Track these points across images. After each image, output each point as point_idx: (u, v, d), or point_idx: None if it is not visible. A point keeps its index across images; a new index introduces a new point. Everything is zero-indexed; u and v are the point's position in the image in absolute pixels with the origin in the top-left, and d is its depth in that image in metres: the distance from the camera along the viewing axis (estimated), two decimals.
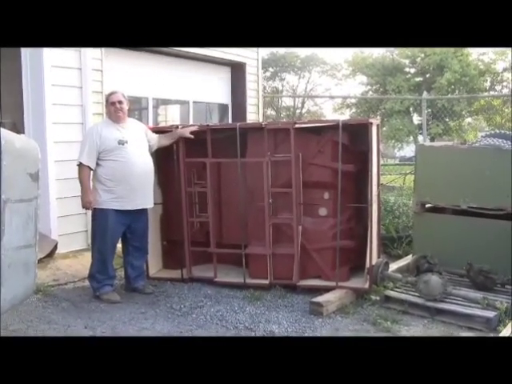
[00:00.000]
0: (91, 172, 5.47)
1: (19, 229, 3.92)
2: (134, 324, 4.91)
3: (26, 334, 4.59)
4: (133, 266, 5.81)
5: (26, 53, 6.87)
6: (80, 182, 5.46)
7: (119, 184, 5.45)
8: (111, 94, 5.70)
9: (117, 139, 5.45)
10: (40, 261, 5.93)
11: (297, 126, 5.70)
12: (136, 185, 5.51)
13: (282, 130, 5.80)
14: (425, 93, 12.00)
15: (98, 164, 5.46)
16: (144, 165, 5.60)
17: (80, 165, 5.43)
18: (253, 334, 4.66)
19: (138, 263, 5.88)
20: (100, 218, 5.50)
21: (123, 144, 5.46)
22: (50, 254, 6.61)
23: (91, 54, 7.23)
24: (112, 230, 5.52)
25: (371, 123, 5.51)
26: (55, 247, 6.69)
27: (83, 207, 5.54)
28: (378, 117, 7.75)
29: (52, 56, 6.79)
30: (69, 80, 7.07)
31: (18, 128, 7.15)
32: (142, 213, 5.71)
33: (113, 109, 5.58)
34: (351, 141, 5.67)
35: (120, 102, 5.58)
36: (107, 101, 5.67)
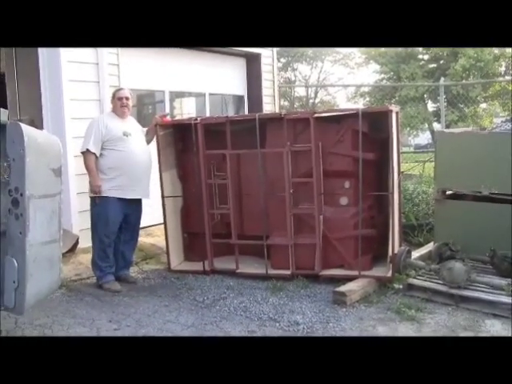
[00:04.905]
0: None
1: (43, 224, 3.96)
2: (157, 317, 4.92)
3: (52, 329, 4.65)
4: (124, 255, 5.97)
5: (42, 49, 6.88)
6: (87, 169, 5.63)
7: (122, 174, 5.62)
8: (119, 90, 5.98)
9: (122, 130, 5.67)
10: (62, 255, 5.95)
11: (316, 115, 5.67)
12: (137, 175, 5.70)
13: (302, 119, 5.78)
14: (442, 79, 11.85)
15: (100, 154, 5.62)
16: (145, 157, 5.82)
17: (86, 152, 5.58)
18: (277, 325, 4.66)
19: (129, 253, 6.04)
20: (101, 206, 5.65)
21: (127, 136, 5.67)
22: (72, 249, 6.64)
23: (107, 49, 7.23)
24: (113, 218, 5.67)
25: (391, 111, 5.47)
26: (77, 242, 6.71)
27: (92, 192, 5.65)
28: (393, 104, 7.70)
29: (69, 51, 6.79)
30: (86, 75, 7.08)
31: (37, 124, 7.16)
32: (138, 204, 5.90)
33: (119, 103, 5.81)
34: (371, 129, 5.63)
35: (127, 99, 5.83)
36: (114, 96, 5.90)
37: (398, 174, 5.84)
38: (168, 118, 6.43)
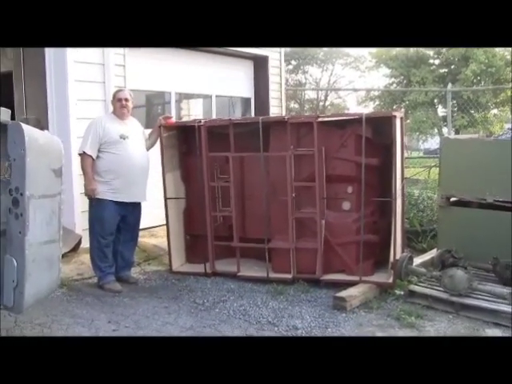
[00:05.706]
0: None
1: (43, 224, 3.97)
2: (157, 319, 4.92)
3: (51, 328, 4.66)
4: (123, 256, 5.97)
5: (49, 50, 6.90)
6: (83, 171, 5.66)
7: (118, 177, 5.62)
8: (119, 91, 5.98)
9: (119, 133, 5.65)
10: (64, 255, 5.98)
11: (320, 119, 5.66)
12: (133, 179, 5.70)
13: (305, 123, 5.77)
14: (449, 84, 11.82)
15: (97, 156, 5.63)
16: (142, 160, 5.80)
17: (83, 154, 5.61)
18: (275, 329, 4.64)
19: (129, 253, 6.05)
20: (97, 208, 5.68)
21: (124, 139, 5.66)
22: (75, 249, 6.66)
23: (114, 50, 7.25)
24: (109, 220, 5.68)
25: (395, 116, 5.45)
26: (79, 242, 6.73)
27: (86, 195, 5.70)
28: (402, 109, 7.66)
29: (75, 52, 6.81)
30: (92, 75, 7.11)
31: (43, 124, 7.18)
32: (136, 206, 5.91)
33: (118, 105, 5.79)
34: (374, 134, 5.61)
35: (126, 100, 5.80)
36: (114, 97, 5.89)
37: (402, 180, 5.81)
38: (172, 119, 6.43)
